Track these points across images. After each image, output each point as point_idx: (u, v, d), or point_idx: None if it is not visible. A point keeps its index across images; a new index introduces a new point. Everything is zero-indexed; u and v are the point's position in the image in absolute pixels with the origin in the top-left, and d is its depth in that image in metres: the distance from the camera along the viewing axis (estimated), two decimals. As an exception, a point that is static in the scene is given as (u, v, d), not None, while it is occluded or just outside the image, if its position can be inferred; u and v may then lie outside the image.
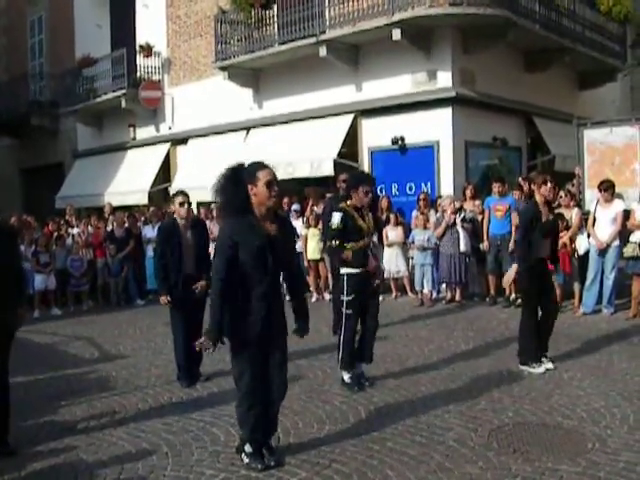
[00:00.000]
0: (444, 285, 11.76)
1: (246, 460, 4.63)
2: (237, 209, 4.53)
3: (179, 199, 7.04)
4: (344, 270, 6.56)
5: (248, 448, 4.65)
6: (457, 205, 11.21)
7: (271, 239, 4.51)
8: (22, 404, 5.72)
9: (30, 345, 9.14)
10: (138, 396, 6.56)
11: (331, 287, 12.44)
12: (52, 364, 7.99)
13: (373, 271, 6.67)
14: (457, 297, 11.16)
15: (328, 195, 12.54)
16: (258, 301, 4.50)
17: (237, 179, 4.53)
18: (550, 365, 6.95)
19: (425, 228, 11.43)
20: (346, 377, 6.59)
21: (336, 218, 6.46)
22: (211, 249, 6.06)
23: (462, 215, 11.04)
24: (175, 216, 7.11)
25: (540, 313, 7.10)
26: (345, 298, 6.51)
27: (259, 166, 4.58)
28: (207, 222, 13.26)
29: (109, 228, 13.99)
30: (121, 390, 6.82)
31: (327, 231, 6.76)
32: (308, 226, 12.51)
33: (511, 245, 10.29)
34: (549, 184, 7.01)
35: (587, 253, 9.94)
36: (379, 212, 11.17)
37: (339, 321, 8.80)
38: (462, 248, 10.99)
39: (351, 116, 14.07)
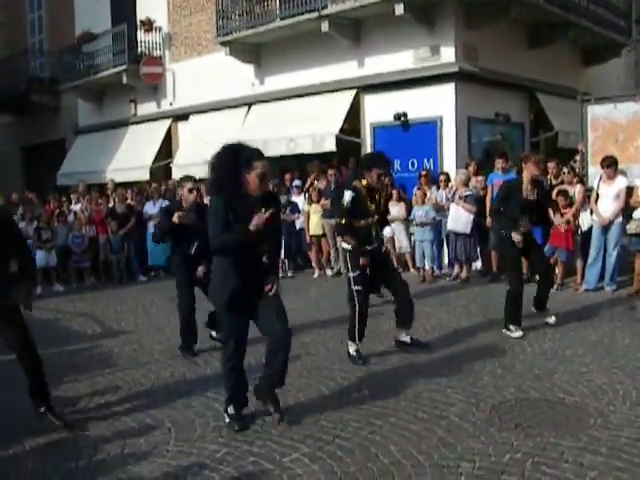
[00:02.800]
0: (446, 261, 11.78)
1: (227, 420, 4.97)
2: (227, 188, 4.70)
3: (189, 185, 7.12)
4: (345, 246, 6.67)
5: (231, 410, 4.98)
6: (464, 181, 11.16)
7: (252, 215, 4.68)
8: (24, 380, 5.72)
9: (32, 321, 9.10)
10: (141, 372, 6.58)
11: (332, 262, 12.52)
12: (54, 340, 8.00)
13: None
14: (463, 274, 11.16)
15: (330, 172, 12.53)
16: (237, 270, 4.71)
17: (232, 161, 4.68)
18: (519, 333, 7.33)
19: (424, 204, 11.41)
20: (352, 349, 6.62)
21: (347, 197, 6.48)
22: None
23: (464, 194, 10.96)
24: (182, 201, 7.20)
25: (537, 279, 7.87)
26: (351, 274, 6.60)
27: (256, 155, 4.71)
28: (208, 198, 13.34)
29: (111, 204, 13.97)
30: (124, 366, 6.84)
31: (336, 208, 6.83)
32: (310, 202, 12.48)
33: (488, 222, 10.42)
34: (541, 165, 7.46)
35: (590, 230, 9.92)
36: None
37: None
38: (450, 226, 11.02)
39: (353, 92, 13.97)
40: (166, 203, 12.46)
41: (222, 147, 4.80)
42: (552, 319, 7.63)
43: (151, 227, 13.21)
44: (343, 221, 6.55)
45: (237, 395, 5.01)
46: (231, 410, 4.97)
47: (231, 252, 4.72)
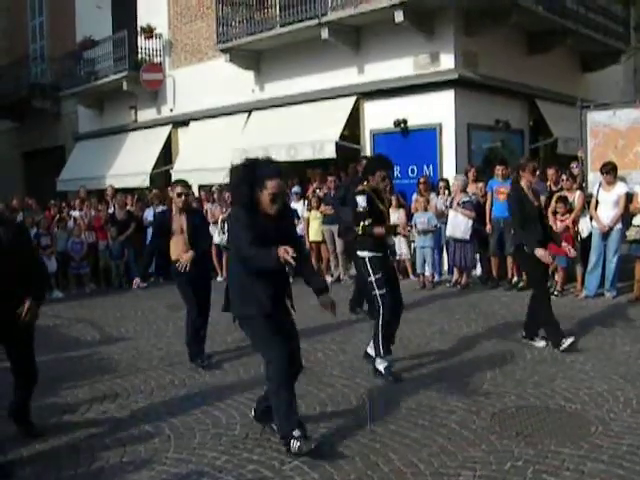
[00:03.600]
0: (446, 268, 11.77)
1: (297, 445, 4.38)
2: (243, 205, 4.59)
3: (178, 189, 7.12)
4: (363, 253, 6.35)
5: (297, 433, 4.43)
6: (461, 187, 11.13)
7: (271, 231, 4.55)
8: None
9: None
10: (140, 378, 6.57)
11: (332, 269, 12.50)
12: (54, 346, 7.98)
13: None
14: (463, 281, 11.13)
15: (330, 178, 12.52)
16: (262, 286, 4.55)
17: (246, 179, 4.55)
18: (542, 343, 7.16)
19: (425, 210, 11.41)
20: (381, 366, 6.23)
21: (361, 201, 6.26)
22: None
23: (463, 200, 10.95)
24: (172, 204, 7.23)
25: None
26: (373, 278, 6.25)
27: (270, 174, 4.53)
28: (208, 205, 13.37)
29: (110, 211, 13.98)
30: (123, 372, 6.82)
31: (351, 216, 6.52)
32: (310, 208, 12.47)
33: (488, 228, 10.29)
34: (537, 172, 7.26)
35: (590, 236, 9.91)
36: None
37: (358, 299, 8.88)
38: (449, 232, 11.02)
39: (353, 98, 13.98)
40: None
41: (237, 164, 4.70)
42: (542, 343, 7.20)
43: (151, 234, 13.21)
44: (366, 223, 6.22)
45: (295, 418, 4.57)
46: (297, 433, 4.43)
47: (259, 269, 4.50)
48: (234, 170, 4.70)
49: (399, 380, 6.15)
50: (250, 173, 4.56)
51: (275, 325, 4.58)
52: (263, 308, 4.53)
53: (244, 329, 4.75)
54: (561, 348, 6.88)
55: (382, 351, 6.24)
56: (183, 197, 7.08)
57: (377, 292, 6.23)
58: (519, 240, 7.16)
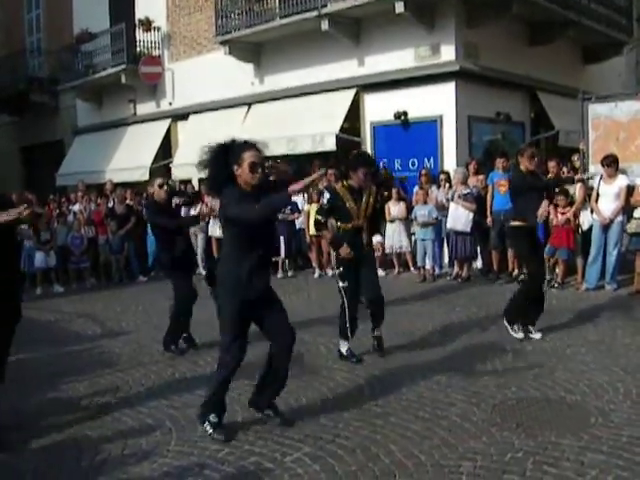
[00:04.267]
0: (447, 260, 11.77)
1: (210, 430, 4.72)
2: (219, 186, 4.68)
3: (159, 181, 7.25)
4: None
5: (213, 418, 4.74)
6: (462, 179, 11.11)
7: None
8: (25, 381, 5.71)
9: (32, 322, 9.12)
10: (141, 372, 6.57)
11: (333, 262, 12.51)
12: (54, 341, 8.00)
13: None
14: (463, 274, 11.13)
15: (330, 171, 12.51)
16: (246, 272, 4.59)
17: (222, 157, 4.63)
18: (538, 335, 7.16)
19: (425, 203, 11.39)
20: (343, 348, 6.65)
21: (325, 197, 6.64)
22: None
23: (463, 192, 10.94)
24: (155, 198, 7.28)
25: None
26: (336, 271, 6.71)
27: (244, 147, 4.60)
28: (209, 198, 13.33)
29: (110, 205, 13.97)
30: (124, 366, 6.83)
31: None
32: (310, 201, 12.46)
33: (489, 221, 10.29)
34: (536, 158, 7.23)
35: (591, 229, 9.91)
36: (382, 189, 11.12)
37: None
38: (449, 225, 11.01)
39: (353, 91, 13.96)
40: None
41: (212, 146, 4.75)
42: (538, 335, 7.22)
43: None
44: (320, 218, 6.64)
45: (223, 403, 4.85)
46: (214, 419, 4.76)
47: (273, 212, 4.87)
48: (209, 155, 4.74)
49: (360, 361, 6.51)
50: (225, 153, 4.62)
51: (249, 315, 4.67)
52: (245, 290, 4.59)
53: (217, 302, 4.77)
54: (510, 331, 7.17)
55: (349, 335, 6.60)
56: (165, 187, 7.18)
57: (339, 284, 6.61)
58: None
